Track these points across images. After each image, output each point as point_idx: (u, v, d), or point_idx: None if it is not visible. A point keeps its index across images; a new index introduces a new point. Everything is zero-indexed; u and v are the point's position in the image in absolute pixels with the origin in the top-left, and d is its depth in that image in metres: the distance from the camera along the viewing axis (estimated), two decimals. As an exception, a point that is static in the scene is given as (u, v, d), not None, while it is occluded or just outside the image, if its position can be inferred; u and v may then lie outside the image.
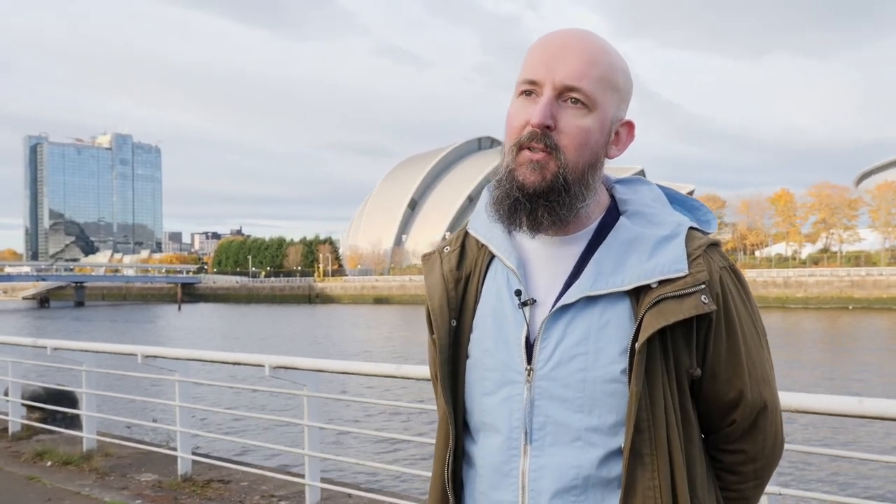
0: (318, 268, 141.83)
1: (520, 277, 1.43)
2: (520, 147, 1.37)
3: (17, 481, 6.73)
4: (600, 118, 1.37)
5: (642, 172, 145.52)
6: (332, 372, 5.50)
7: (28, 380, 9.24)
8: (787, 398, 3.23)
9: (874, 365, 28.81)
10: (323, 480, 5.82)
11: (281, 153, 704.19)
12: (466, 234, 1.56)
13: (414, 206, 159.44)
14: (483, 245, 1.51)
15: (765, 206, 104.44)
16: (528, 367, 1.39)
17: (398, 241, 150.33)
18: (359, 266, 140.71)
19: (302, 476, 5.77)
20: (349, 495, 5.83)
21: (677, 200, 1.54)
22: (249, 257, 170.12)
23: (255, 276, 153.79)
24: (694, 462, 1.40)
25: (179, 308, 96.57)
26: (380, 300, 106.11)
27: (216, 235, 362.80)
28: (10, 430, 8.61)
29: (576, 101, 1.35)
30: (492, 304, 1.46)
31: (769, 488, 3.44)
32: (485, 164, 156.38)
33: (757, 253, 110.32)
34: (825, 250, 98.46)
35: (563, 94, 1.35)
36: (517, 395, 1.40)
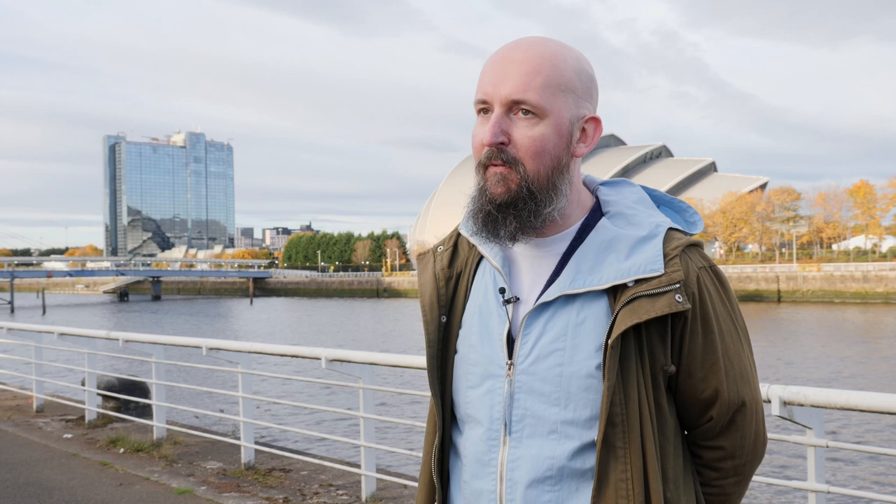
0: (386, 262, 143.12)
1: (504, 276, 1.49)
2: (484, 166, 1.44)
3: (92, 466, 7.06)
4: (554, 123, 1.42)
5: (713, 165, 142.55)
6: (385, 365, 5.63)
7: (103, 371, 9.62)
8: (838, 396, 3.21)
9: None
10: (378, 471, 5.97)
11: (349, 149, 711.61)
12: (459, 234, 1.63)
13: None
14: (474, 245, 1.59)
15: (842, 199, 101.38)
16: (509, 362, 1.45)
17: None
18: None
19: (358, 466, 5.93)
20: (405, 486, 5.97)
21: (664, 202, 1.59)
22: (319, 252, 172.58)
23: (324, 270, 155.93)
24: (668, 456, 1.44)
25: (251, 302, 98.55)
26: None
27: (286, 231, 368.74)
28: (87, 419, 9.01)
29: (526, 111, 1.40)
30: (479, 302, 1.53)
31: (816, 485, 3.44)
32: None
33: (834, 246, 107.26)
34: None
35: (512, 107, 1.41)
36: (498, 389, 1.46)
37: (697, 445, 1.52)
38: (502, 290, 1.49)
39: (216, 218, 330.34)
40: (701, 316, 1.43)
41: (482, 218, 1.45)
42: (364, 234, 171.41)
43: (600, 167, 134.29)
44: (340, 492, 6.11)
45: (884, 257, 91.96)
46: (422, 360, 5.51)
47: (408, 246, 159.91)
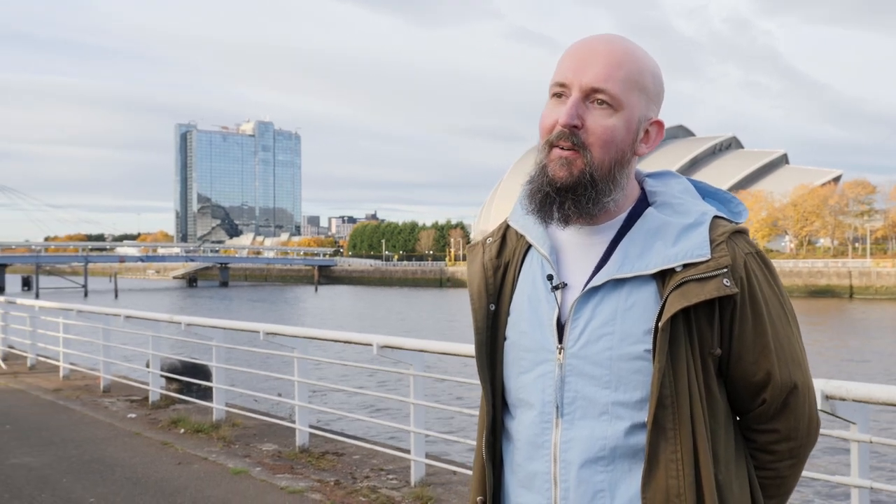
0: (450, 252, 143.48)
1: (552, 263, 1.54)
2: (550, 145, 1.48)
3: (153, 445, 7.30)
4: (626, 118, 1.47)
5: (785, 157, 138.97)
6: (435, 352, 5.69)
7: (167, 353, 9.91)
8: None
9: None
10: (428, 457, 6.04)
11: (414, 139, 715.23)
12: (508, 226, 1.68)
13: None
14: (521, 236, 1.63)
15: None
16: (560, 346, 1.49)
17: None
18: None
19: (408, 452, 6.01)
20: (454, 472, 6.03)
21: (709, 194, 1.62)
22: (383, 241, 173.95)
23: (388, 259, 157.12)
24: (719, 438, 1.46)
25: (316, 290, 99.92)
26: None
27: (352, 220, 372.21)
28: (151, 399, 9.30)
29: (602, 101, 1.46)
30: (527, 290, 1.57)
31: (860, 481, 3.39)
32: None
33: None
34: None
35: (590, 95, 1.46)
36: (549, 373, 1.50)
37: (751, 430, 1.55)
38: (550, 277, 1.53)
39: (283, 206, 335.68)
40: (750, 300, 1.46)
41: (540, 199, 1.51)
42: (428, 224, 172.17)
43: (669, 158, 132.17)
44: (390, 476, 6.21)
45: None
46: (471, 349, 5.55)
47: (472, 236, 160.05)
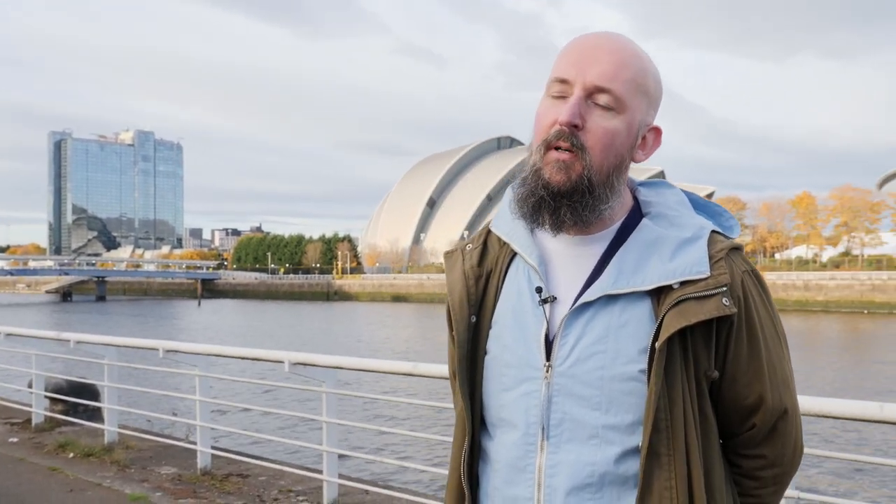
0: (337, 265, 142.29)
1: (541, 275, 1.44)
2: (547, 146, 1.38)
3: (40, 472, 6.84)
4: (628, 121, 1.39)
5: (662, 174, 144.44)
6: (350, 369, 5.55)
7: (51, 372, 9.36)
8: (807, 402, 3.23)
9: (894, 370, 28.53)
10: (341, 476, 5.87)
11: (301, 151, 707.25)
12: (489, 232, 1.58)
13: (432, 204, 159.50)
14: (505, 243, 1.53)
15: (786, 209, 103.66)
16: (547, 364, 1.40)
17: (416, 240, 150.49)
18: (377, 264, 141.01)
19: (320, 472, 5.83)
20: (366, 491, 5.88)
21: (700, 206, 1.55)
22: (269, 254, 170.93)
23: (274, 272, 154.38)
24: (712, 464, 1.40)
25: (199, 304, 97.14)
26: (398, 298, 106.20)
27: (236, 232, 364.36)
28: (34, 422, 8.73)
29: (605, 102, 1.37)
30: (512, 301, 1.48)
31: (788, 492, 3.44)
32: (504, 164, 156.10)
33: (777, 255, 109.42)
34: (846, 254, 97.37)
35: (593, 94, 1.37)
36: (535, 392, 1.41)
37: (738, 454, 1.48)
38: (539, 290, 1.43)
39: (164, 218, 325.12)
40: (746, 321, 1.40)
41: (533, 203, 1.41)
42: (315, 237, 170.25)
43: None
44: (301, 497, 6.00)
45: (824, 267, 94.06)
46: (388, 365, 5.44)
47: (359, 249, 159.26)
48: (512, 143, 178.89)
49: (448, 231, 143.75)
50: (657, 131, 1.48)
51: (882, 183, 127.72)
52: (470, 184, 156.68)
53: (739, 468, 1.48)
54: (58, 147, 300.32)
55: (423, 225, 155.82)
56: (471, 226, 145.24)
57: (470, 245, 1.58)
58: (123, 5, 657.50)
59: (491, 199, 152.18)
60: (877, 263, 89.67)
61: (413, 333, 46.27)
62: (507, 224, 1.52)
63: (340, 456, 5.86)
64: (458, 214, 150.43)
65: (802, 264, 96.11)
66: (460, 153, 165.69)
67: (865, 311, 70.90)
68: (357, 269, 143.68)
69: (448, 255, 1.61)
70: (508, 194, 1.52)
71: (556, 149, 1.37)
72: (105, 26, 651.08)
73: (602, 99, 1.37)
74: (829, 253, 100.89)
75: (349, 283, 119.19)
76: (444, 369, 4.78)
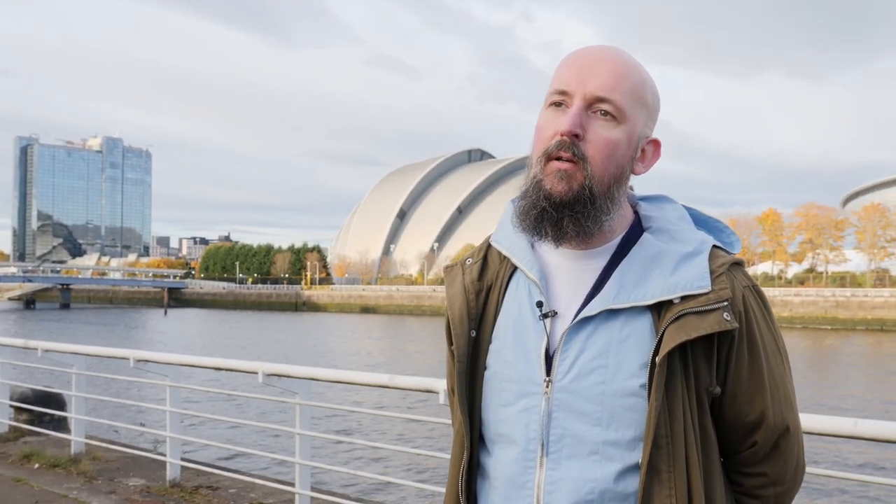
0: (306, 275, 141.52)
1: (541, 289, 1.44)
2: (548, 157, 1.38)
3: (4, 483, 6.69)
4: (628, 132, 1.40)
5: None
6: (325, 381, 5.50)
7: (17, 381, 9.18)
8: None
9: (861, 386, 28.93)
10: (313, 489, 5.81)
11: (271, 161, 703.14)
12: (489, 246, 1.57)
13: (403, 216, 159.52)
14: (505, 257, 1.52)
15: (752, 225, 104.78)
16: (547, 379, 1.39)
17: (386, 251, 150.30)
18: (346, 275, 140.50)
19: (292, 484, 5.76)
20: (339, 504, 5.83)
21: (701, 221, 1.55)
22: (237, 263, 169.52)
23: (242, 282, 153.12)
24: (712, 481, 1.39)
25: (166, 313, 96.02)
26: (366, 309, 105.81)
27: (204, 241, 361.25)
28: (-3, 432, 8.55)
29: (605, 112, 1.37)
30: (513, 316, 1.47)
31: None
32: (474, 177, 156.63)
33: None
34: (811, 270, 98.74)
35: (594, 105, 1.37)
36: (535, 407, 1.40)
37: (739, 473, 1.47)
38: (539, 304, 1.43)
39: (131, 225, 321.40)
40: (747, 336, 1.39)
41: (535, 215, 1.40)
42: (284, 247, 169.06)
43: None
44: (272, 511, 5.93)
45: (789, 283, 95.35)
46: (363, 377, 5.40)
47: (329, 260, 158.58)
48: (483, 155, 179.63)
49: (418, 243, 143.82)
50: (656, 144, 1.48)
51: (846, 201, 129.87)
52: (440, 196, 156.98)
53: (741, 486, 1.47)
54: (24, 152, 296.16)
55: (394, 236, 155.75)
56: (441, 238, 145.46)
57: (470, 259, 1.58)
58: (94, 11, 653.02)
59: (461, 212, 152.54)
60: (840, 280, 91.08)
61: (385, 345, 46.10)
62: (507, 238, 1.52)
63: (314, 468, 5.81)
64: (429, 226, 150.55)
65: (768, 280, 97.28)
66: (431, 165, 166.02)
67: (829, 328, 71.91)
68: (326, 279, 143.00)
69: (448, 269, 1.61)
70: (508, 209, 1.52)
71: (558, 159, 1.37)
72: (75, 31, 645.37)
73: (602, 109, 1.37)
74: (794, 269, 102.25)
75: (318, 293, 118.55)
76: (420, 382, 4.77)
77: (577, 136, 1.36)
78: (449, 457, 1.57)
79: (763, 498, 1.47)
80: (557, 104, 1.40)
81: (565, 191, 1.36)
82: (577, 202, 1.37)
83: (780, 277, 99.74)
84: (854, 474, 3.46)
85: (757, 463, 1.45)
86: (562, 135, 1.36)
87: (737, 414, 1.41)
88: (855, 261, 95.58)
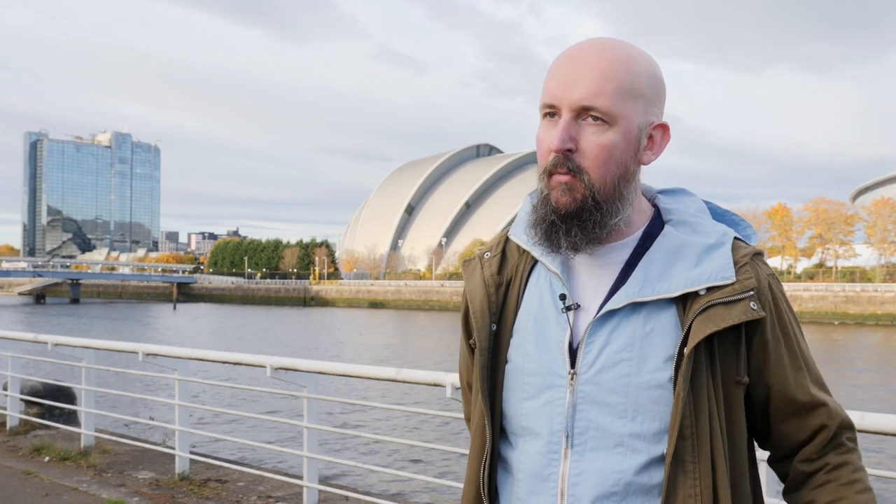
0: (314, 270, 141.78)
1: (564, 282, 1.44)
2: (549, 173, 1.40)
3: (15, 475, 6.74)
4: (624, 130, 1.38)
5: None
6: (333, 374, 5.51)
7: (27, 375, 9.24)
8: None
9: (871, 380, 28.85)
10: (321, 482, 5.84)
11: (279, 156, 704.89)
12: (507, 239, 1.58)
13: (411, 211, 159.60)
14: (525, 251, 1.53)
15: (761, 220, 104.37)
16: (571, 372, 1.39)
17: (394, 246, 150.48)
18: (354, 270, 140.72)
19: (300, 477, 5.79)
20: (346, 498, 5.85)
21: (718, 214, 1.56)
22: (246, 258, 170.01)
23: (250, 277, 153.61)
24: (739, 473, 1.39)
25: (174, 307, 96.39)
26: (375, 304, 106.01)
27: (213, 236, 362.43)
28: (9, 425, 8.62)
29: (595, 118, 1.36)
30: (534, 309, 1.47)
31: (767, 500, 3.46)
32: (483, 171, 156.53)
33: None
34: (821, 265, 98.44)
35: (581, 113, 1.37)
36: (559, 400, 1.40)
37: (809, 461, 1.44)
38: (563, 297, 1.43)
39: (140, 221, 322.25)
40: (779, 323, 1.41)
41: (545, 228, 1.41)
42: (293, 242, 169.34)
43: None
44: (280, 503, 5.96)
45: (798, 278, 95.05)
46: (371, 371, 5.42)
47: (337, 255, 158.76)
48: (491, 150, 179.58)
49: (426, 238, 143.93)
50: (664, 127, 1.46)
51: (856, 196, 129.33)
52: (449, 191, 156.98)
53: (826, 466, 1.41)
54: (33, 148, 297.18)
55: (402, 231, 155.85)
56: (448, 233, 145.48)
57: (488, 253, 1.58)
58: (101, 5, 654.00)
59: (469, 207, 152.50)
60: (850, 275, 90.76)
61: (393, 340, 46.16)
62: (525, 232, 1.52)
63: (321, 462, 5.83)
64: (437, 221, 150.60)
65: (777, 275, 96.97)
66: (439, 160, 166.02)
67: (836, 323, 71.66)
68: (334, 274, 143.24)
69: (466, 263, 1.61)
70: (526, 203, 1.52)
71: (559, 174, 1.39)
72: (83, 26, 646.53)
73: (592, 115, 1.37)
74: (803, 264, 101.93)
75: (326, 288, 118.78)
76: (427, 375, 4.76)
77: (570, 150, 1.37)
78: (458, 449, 1.58)
79: (853, 451, 1.43)
80: (550, 115, 1.41)
81: (570, 201, 1.38)
82: (583, 211, 1.38)
83: (789, 272, 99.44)
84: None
85: (831, 451, 1.42)
86: (553, 152, 1.38)
87: (790, 400, 1.41)
88: (865, 256, 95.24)
